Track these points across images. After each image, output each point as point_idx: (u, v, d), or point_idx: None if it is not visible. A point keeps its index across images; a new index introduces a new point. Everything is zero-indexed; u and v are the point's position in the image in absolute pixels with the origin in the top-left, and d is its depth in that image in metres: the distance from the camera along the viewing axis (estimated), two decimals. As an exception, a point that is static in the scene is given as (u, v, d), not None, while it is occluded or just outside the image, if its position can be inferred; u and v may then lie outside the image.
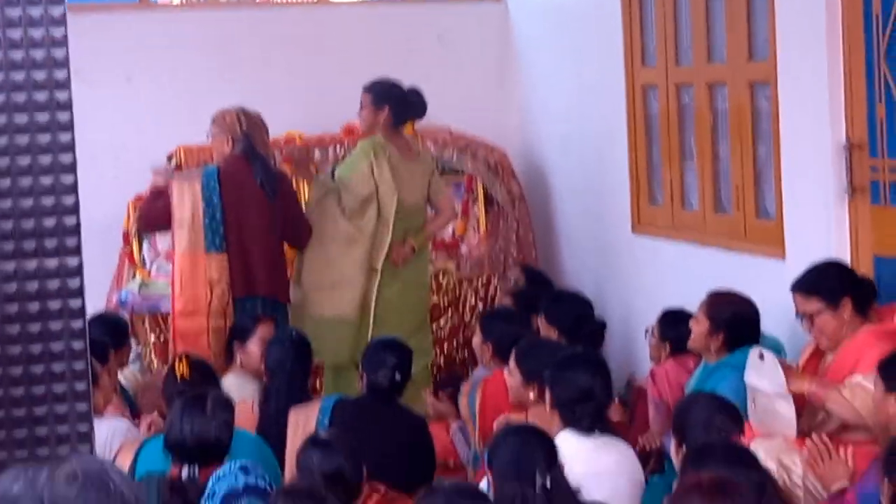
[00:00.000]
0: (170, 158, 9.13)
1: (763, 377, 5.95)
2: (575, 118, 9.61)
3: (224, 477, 5.10)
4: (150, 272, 9.10)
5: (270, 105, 8.39)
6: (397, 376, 6.73)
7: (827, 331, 6.16)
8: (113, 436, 6.40)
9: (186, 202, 8.04)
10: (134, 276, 9.09)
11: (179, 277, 8.10)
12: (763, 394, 5.95)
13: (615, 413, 6.85)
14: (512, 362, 6.60)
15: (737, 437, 5.39)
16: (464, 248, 9.36)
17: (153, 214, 8.21)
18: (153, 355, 8.69)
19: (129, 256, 9.19)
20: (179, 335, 8.03)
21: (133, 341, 8.69)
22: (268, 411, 6.95)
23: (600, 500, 5.27)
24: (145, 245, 9.12)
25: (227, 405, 5.86)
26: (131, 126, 9.61)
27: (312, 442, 5.41)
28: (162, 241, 9.27)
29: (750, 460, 4.78)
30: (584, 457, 5.64)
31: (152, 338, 8.76)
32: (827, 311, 6.13)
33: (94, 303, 8.57)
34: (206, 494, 5.11)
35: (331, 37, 9.89)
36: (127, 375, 8.07)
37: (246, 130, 8.02)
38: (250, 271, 8.02)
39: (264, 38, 10.02)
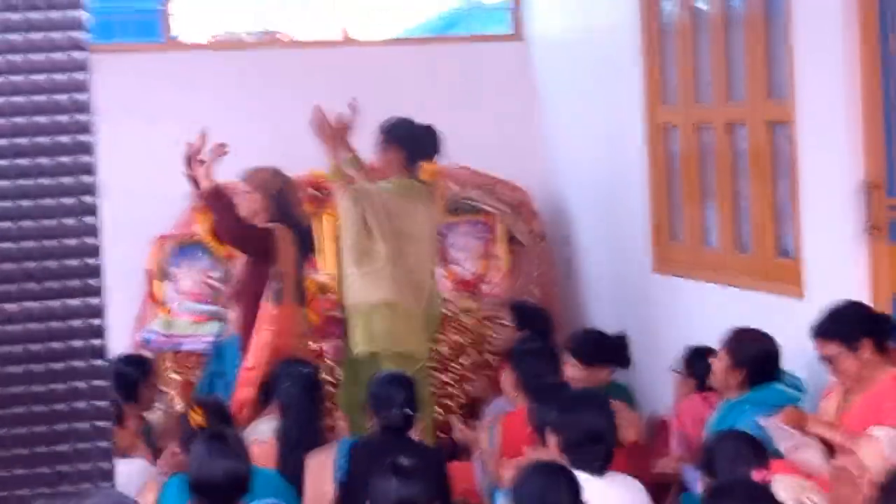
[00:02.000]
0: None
1: (779, 441, 6.00)
2: (596, 156, 9.61)
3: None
4: (170, 310, 9.12)
5: (293, 143, 8.35)
6: (408, 411, 6.78)
7: (848, 372, 6.21)
8: (137, 474, 6.43)
9: None
10: (157, 315, 9.12)
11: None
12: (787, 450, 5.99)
13: (632, 431, 6.88)
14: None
15: (762, 472, 5.39)
16: (485, 287, 9.36)
17: (224, 224, 7.83)
18: (174, 394, 8.71)
19: (151, 296, 9.22)
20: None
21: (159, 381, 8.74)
22: (282, 448, 6.97)
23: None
24: (167, 284, 9.15)
25: (244, 444, 5.92)
26: (154, 165, 9.61)
27: (393, 469, 5.36)
28: (185, 279, 9.31)
29: (768, 498, 4.81)
30: (597, 494, 5.67)
31: (175, 377, 8.78)
32: (847, 353, 6.18)
33: (119, 343, 8.67)
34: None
35: (354, 76, 9.89)
36: (156, 415, 8.10)
37: (281, 188, 7.98)
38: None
39: (287, 77, 10.07)
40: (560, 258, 9.96)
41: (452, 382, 8.97)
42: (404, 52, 10.69)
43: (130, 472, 6.41)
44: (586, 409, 6.03)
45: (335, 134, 7.86)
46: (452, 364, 9.00)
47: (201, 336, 9.04)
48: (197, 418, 6.60)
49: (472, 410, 8.59)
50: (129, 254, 9.18)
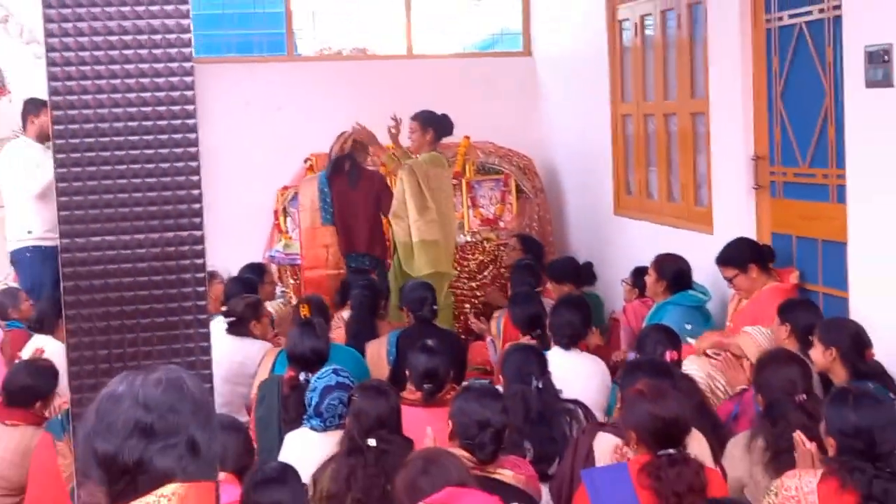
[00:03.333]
0: (306, 160, 9.18)
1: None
2: (577, 136, 9.52)
3: (322, 376, 5.08)
4: (290, 237, 9.15)
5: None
6: (434, 307, 6.71)
7: (743, 287, 6.16)
8: (261, 350, 6.40)
9: (307, 194, 8.07)
10: (279, 240, 9.15)
11: (304, 243, 8.11)
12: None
13: (596, 338, 6.80)
14: None
15: (672, 353, 5.29)
16: (501, 223, 9.29)
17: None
18: (292, 293, 8.73)
19: (277, 227, 9.26)
20: (306, 282, 8.06)
21: (279, 284, 8.78)
22: (347, 337, 6.87)
23: (577, 396, 5.23)
24: (287, 219, 9.16)
25: (326, 330, 5.88)
26: (282, 139, 9.63)
27: (420, 348, 5.29)
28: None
29: (668, 372, 4.72)
30: (565, 362, 5.61)
31: (291, 281, 8.81)
32: (740, 275, 6.11)
33: (254, 257, 8.75)
34: (309, 388, 5.10)
35: (414, 81, 9.84)
36: (274, 307, 8.09)
37: (352, 147, 8.01)
38: (350, 236, 7.99)
39: (367, 81, 10.00)
40: (552, 205, 9.84)
41: (477, 289, 8.92)
42: (450, 63, 10.55)
43: (260, 347, 6.41)
44: (568, 309, 5.98)
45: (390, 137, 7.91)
46: (477, 276, 8.94)
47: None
48: (305, 310, 6.59)
49: (488, 308, 8.51)
50: (263, 198, 9.28)
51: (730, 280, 6.20)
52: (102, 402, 2.12)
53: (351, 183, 7.98)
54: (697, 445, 4.23)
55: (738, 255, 6.17)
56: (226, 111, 9.55)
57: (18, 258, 7.80)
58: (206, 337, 3.27)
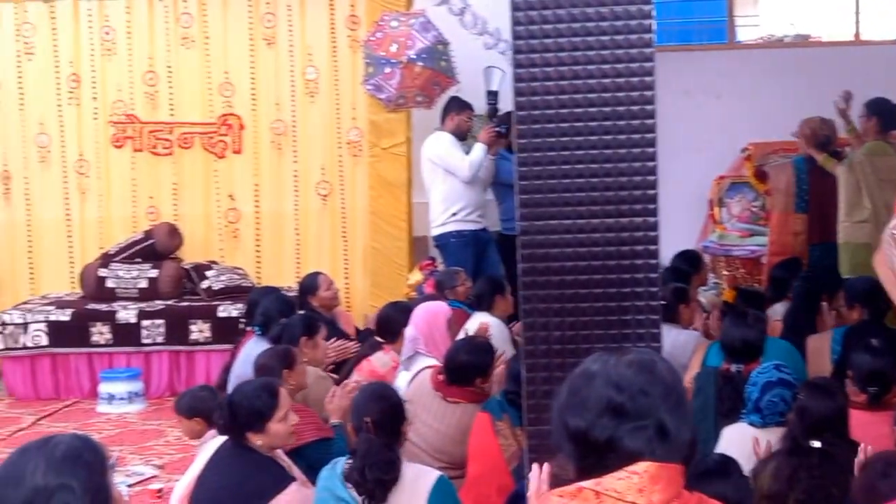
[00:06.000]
0: (743, 150, 9.02)
1: None
2: None
3: (764, 371, 4.93)
4: (725, 227, 9.01)
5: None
6: (883, 305, 6.23)
7: None
8: (688, 340, 6.32)
9: (782, 178, 7.85)
10: (714, 230, 9.03)
11: (774, 229, 7.92)
12: None
13: None
14: None
15: None
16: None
17: None
18: (725, 284, 8.60)
19: (712, 217, 9.15)
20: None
21: (712, 275, 8.68)
22: (784, 329, 6.51)
23: None
24: (723, 209, 9.03)
25: (760, 319, 5.70)
26: (720, 129, 9.45)
27: (865, 347, 4.98)
28: (735, 205, 9.23)
29: None
30: None
31: (724, 272, 8.68)
32: None
33: (686, 246, 8.69)
34: (748, 383, 4.97)
35: (863, 72, 9.34)
36: (706, 296, 7.98)
37: (828, 134, 7.64)
38: (824, 224, 7.66)
39: (800, 73, 9.60)
40: None
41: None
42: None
43: (679, 338, 6.33)
44: None
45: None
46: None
47: (745, 246, 8.88)
48: (730, 296, 6.46)
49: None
50: (698, 188, 9.21)
51: None
52: (576, 379, 2.18)
53: (823, 173, 7.70)
54: None
55: None
56: (665, 100, 9.50)
57: (443, 242, 8.19)
58: (657, 324, 3.27)
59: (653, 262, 3.26)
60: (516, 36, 3.26)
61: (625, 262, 3.26)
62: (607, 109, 3.24)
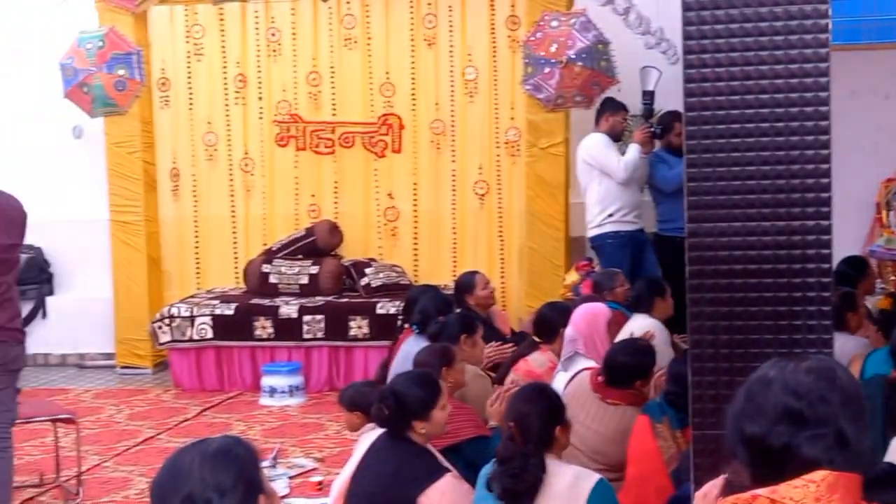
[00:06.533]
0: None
1: None
2: None
3: (934, 381, 4.77)
4: (893, 232, 8.73)
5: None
6: None
7: None
8: (857, 347, 6.13)
9: None
10: (881, 234, 8.76)
11: None
12: None
13: None
14: None
15: None
16: None
17: None
18: (891, 289, 8.32)
19: (879, 221, 8.87)
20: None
21: (878, 280, 8.42)
22: None
23: None
24: (891, 212, 8.75)
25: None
26: (889, 130, 9.23)
27: None
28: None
29: None
30: None
31: (892, 278, 8.41)
32: None
33: (851, 251, 8.45)
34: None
35: None
36: (872, 302, 7.74)
37: None
38: None
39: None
40: None
41: None
42: None
43: (847, 344, 6.14)
44: None
45: None
46: None
47: (916, 251, 8.61)
48: (884, 304, 6.26)
49: None
50: (864, 191, 8.95)
51: None
52: (753, 385, 2.15)
53: None
54: None
55: None
56: (832, 100, 9.28)
57: (599, 243, 8.15)
58: (828, 329, 3.19)
59: (825, 266, 3.19)
60: (687, 36, 3.22)
61: (796, 265, 3.19)
62: (780, 110, 3.18)
